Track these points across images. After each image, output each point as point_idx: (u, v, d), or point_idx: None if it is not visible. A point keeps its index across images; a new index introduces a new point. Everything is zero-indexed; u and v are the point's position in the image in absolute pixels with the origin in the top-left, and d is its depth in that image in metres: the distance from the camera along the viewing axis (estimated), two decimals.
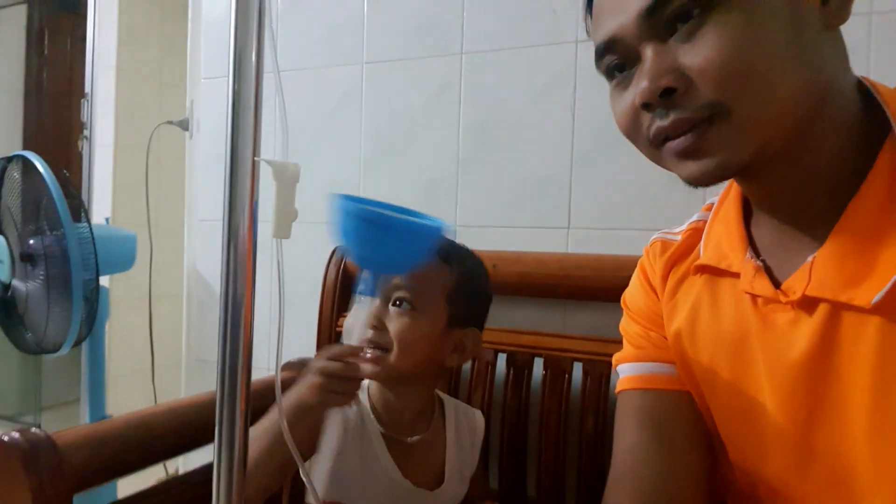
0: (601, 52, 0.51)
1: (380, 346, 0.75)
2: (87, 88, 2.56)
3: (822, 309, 0.48)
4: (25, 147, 2.87)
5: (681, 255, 0.63)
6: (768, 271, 0.52)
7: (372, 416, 0.79)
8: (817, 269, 0.48)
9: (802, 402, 0.49)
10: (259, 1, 0.50)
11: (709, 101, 0.44)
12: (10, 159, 1.48)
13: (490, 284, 0.87)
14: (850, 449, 0.47)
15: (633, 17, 0.46)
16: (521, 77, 1.15)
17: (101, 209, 2.43)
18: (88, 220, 1.49)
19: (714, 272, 0.58)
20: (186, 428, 0.86)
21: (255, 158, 0.49)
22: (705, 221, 0.62)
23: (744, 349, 0.54)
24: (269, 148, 1.41)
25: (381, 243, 0.61)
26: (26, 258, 1.45)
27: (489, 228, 1.18)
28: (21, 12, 2.86)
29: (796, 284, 0.49)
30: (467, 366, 1.08)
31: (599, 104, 1.09)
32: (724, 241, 0.57)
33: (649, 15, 0.45)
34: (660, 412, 0.60)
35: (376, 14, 1.28)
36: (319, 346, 1.17)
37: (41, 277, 1.43)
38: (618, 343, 0.96)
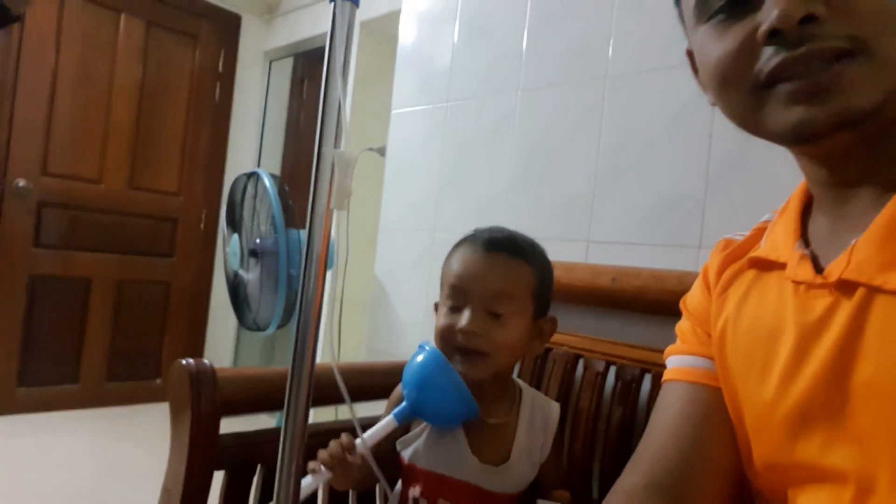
0: None
1: (478, 352, 0.82)
2: None
3: (859, 293, 0.46)
4: (282, 173, 3.51)
5: (741, 252, 0.63)
6: (814, 260, 0.51)
7: None
8: (857, 252, 0.47)
9: (835, 389, 0.47)
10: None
11: (851, 34, 0.42)
12: (249, 175, 1.88)
13: (553, 273, 0.92)
14: (876, 432, 0.45)
15: None
16: (659, 99, 1.17)
17: None
18: (297, 228, 1.81)
19: (764, 265, 0.58)
20: (322, 387, 1.04)
21: (325, 149, 0.63)
22: (770, 222, 0.62)
23: (780, 337, 0.53)
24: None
25: (441, 396, 0.79)
26: (252, 253, 1.82)
27: (618, 245, 1.20)
28: (288, 65, 3.53)
29: (835, 268, 0.48)
30: (578, 373, 1.11)
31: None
32: (780, 236, 0.57)
33: None
34: (696, 404, 0.60)
35: (533, 45, 1.39)
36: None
37: (258, 270, 1.78)
38: None
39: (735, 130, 1.08)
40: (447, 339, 0.84)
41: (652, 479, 0.57)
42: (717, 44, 0.49)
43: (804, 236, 0.54)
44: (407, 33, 1.71)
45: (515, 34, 1.42)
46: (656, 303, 1.05)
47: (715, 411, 0.59)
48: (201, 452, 0.86)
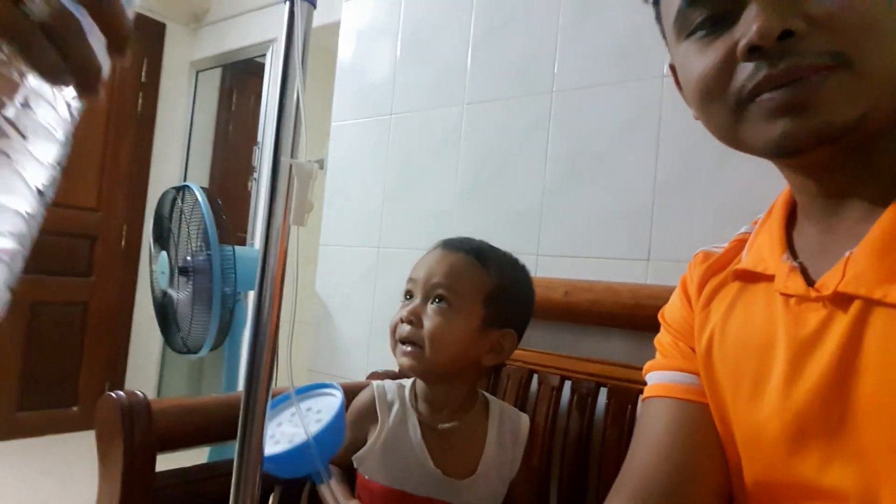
0: (692, 1, 0.48)
1: (414, 342, 0.81)
2: (259, 137, 2.97)
3: (855, 306, 0.45)
4: (210, 187, 3.36)
5: (722, 264, 0.62)
6: (804, 272, 0.51)
7: (412, 408, 0.85)
8: (853, 264, 0.46)
9: (832, 405, 0.46)
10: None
11: (830, 49, 0.42)
12: (178, 189, 1.78)
13: (533, 291, 0.92)
14: (878, 448, 0.44)
15: None
16: (608, 113, 1.18)
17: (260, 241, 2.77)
18: (233, 243, 1.73)
19: (750, 277, 0.57)
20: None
21: (284, 158, 0.59)
22: (750, 233, 0.62)
23: (771, 352, 0.52)
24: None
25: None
26: (182, 271, 1.72)
27: (569, 259, 1.19)
28: (216, 76, 3.40)
29: (829, 280, 0.47)
30: (533, 389, 1.09)
31: (684, 137, 1.08)
32: (764, 247, 0.56)
33: None
34: (683, 421, 0.59)
35: (478, 59, 1.38)
36: None
37: (189, 288, 1.68)
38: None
39: (681, 144, 1.11)
40: (393, 331, 0.85)
41: (641, 501, 0.55)
42: (698, 60, 0.49)
43: (791, 247, 0.54)
44: (347, 46, 1.67)
45: (460, 48, 1.41)
46: (610, 316, 1.05)
47: (703, 428, 0.58)
48: (136, 493, 0.78)
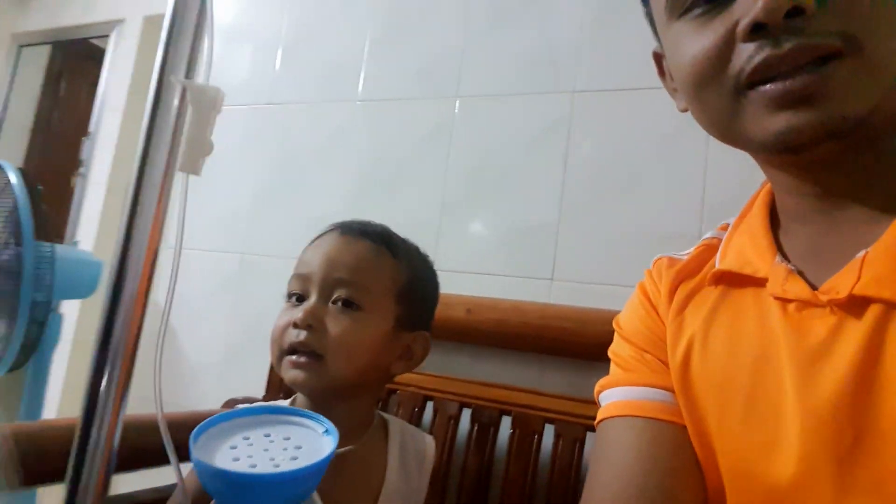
0: None
1: (314, 350, 0.65)
2: (92, 128, 2.58)
3: (872, 311, 0.40)
4: (31, 184, 2.85)
5: (692, 270, 0.55)
6: (801, 276, 0.45)
7: None
8: (870, 266, 0.40)
9: (846, 425, 0.40)
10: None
11: (840, 29, 0.38)
12: None
13: (438, 286, 0.80)
14: None
15: None
16: (515, 124, 1.12)
17: (84, 245, 2.37)
18: (52, 240, 1.41)
19: (734, 280, 0.50)
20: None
21: (173, 78, 0.42)
22: (720, 239, 0.55)
23: (769, 366, 0.45)
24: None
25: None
26: None
27: (469, 275, 1.10)
28: (43, 53, 2.94)
29: (841, 283, 0.41)
30: (427, 418, 0.96)
31: (592, 155, 1.05)
32: (748, 248, 0.50)
33: None
34: (652, 445, 0.50)
35: (376, 54, 1.26)
36: (269, 387, 1.06)
37: None
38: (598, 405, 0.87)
39: (590, 164, 1.08)
40: (278, 339, 0.68)
41: None
42: (692, 41, 0.44)
43: (781, 252, 0.48)
44: (225, 13, 1.46)
45: (357, 38, 1.29)
46: (517, 336, 0.97)
47: (682, 453, 0.49)
48: None
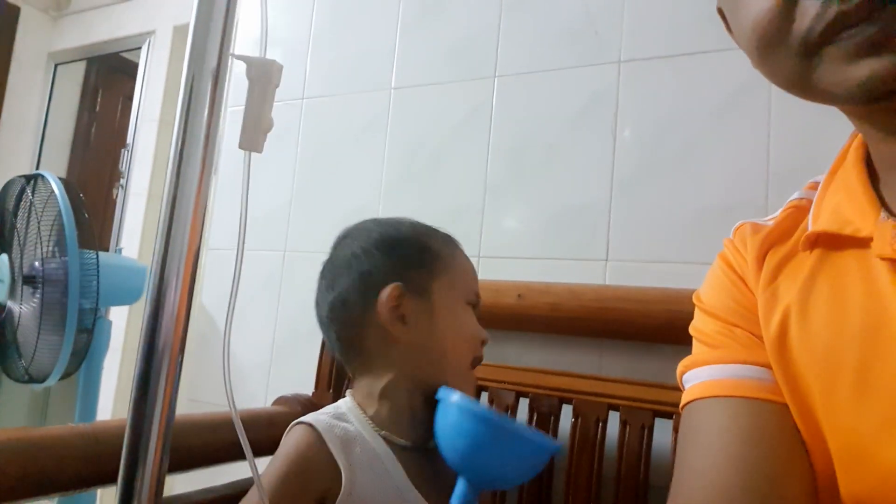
0: None
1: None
2: (129, 139, 2.62)
3: None
4: (74, 193, 2.91)
5: (781, 235, 0.50)
6: None
7: (376, 433, 0.66)
8: None
9: None
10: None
11: None
12: (29, 179, 1.44)
13: None
14: None
15: None
16: (558, 100, 1.07)
17: (128, 252, 2.40)
18: (96, 248, 1.42)
19: (833, 242, 0.45)
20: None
21: (231, 54, 0.40)
22: (810, 200, 0.50)
23: (881, 335, 0.40)
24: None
25: (497, 453, 0.58)
26: (28, 280, 1.38)
27: (518, 260, 1.05)
28: (78, 70, 2.99)
29: None
30: None
31: (643, 128, 0.99)
32: (845, 206, 0.45)
33: None
34: (753, 426, 0.45)
35: (408, 39, 1.23)
36: (318, 383, 1.03)
37: (36, 302, 1.35)
38: (664, 388, 0.82)
39: (640, 132, 1.02)
40: (473, 348, 0.73)
41: None
42: (750, 1, 0.40)
43: (885, 207, 0.43)
44: (250, 14, 1.45)
45: (387, 25, 1.25)
46: (573, 321, 0.92)
47: (786, 434, 0.44)
48: None
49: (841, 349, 0.42)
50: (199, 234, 0.43)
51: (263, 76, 0.40)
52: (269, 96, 0.40)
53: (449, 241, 0.78)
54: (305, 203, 1.29)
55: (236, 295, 0.46)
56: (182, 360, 0.43)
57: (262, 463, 0.78)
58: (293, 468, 0.62)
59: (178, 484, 1.10)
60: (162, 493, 0.41)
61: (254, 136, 0.40)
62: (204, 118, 0.41)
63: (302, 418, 0.67)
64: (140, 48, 2.67)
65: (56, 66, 2.95)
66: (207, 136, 0.41)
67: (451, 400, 0.61)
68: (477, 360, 0.72)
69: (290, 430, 0.68)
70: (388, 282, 0.69)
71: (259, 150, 0.41)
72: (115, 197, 2.63)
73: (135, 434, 0.41)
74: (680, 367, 0.52)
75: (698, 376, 0.49)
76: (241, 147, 0.41)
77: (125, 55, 2.87)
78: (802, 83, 0.39)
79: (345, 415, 0.68)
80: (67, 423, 1.64)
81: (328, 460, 0.62)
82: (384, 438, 0.66)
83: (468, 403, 0.60)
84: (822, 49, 0.37)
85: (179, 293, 0.42)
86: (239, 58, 0.40)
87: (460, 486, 0.54)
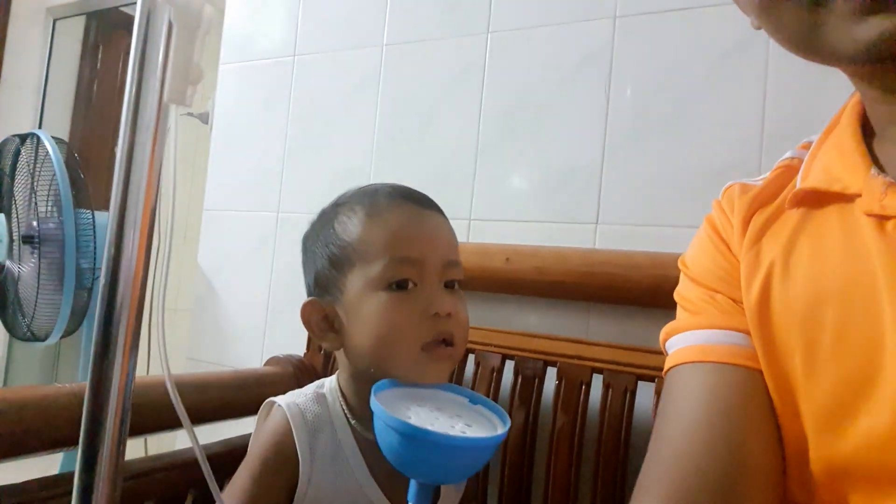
0: None
1: (451, 342, 0.62)
2: None
3: None
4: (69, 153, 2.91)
5: (769, 195, 0.50)
6: None
7: (347, 422, 0.66)
8: None
9: None
10: None
11: None
12: (24, 138, 1.44)
13: None
14: None
15: None
16: (551, 58, 1.04)
17: None
18: (92, 208, 1.43)
19: (818, 199, 0.45)
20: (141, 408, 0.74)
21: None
22: (801, 159, 0.49)
23: (860, 292, 0.40)
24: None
25: (431, 460, 0.52)
26: (27, 240, 1.39)
27: (507, 223, 1.05)
28: (78, 25, 2.95)
29: None
30: (469, 372, 0.93)
31: (637, 86, 0.97)
32: (836, 164, 0.45)
33: None
34: (721, 393, 0.45)
35: None
36: (310, 343, 1.04)
37: (34, 261, 1.36)
38: (649, 352, 0.82)
39: (635, 91, 1.00)
40: (412, 332, 0.61)
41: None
42: None
43: (877, 164, 0.42)
44: None
45: None
46: (558, 284, 0.92)
47: (756, 401, 0.44)
48: None
49: (820, 308, 0.41)
50: (154, 195, 0.42)
51: (190, 19, 0.38)
52: (196, 42, 0.38)
53: (370, 213, 0.65)
54: (298, 163, 1.28)
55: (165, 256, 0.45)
56: (140, 323, 0.42)
57: (245, 424, 0.79)
58: (269, 449, 0.63)
59: (178, 442, 1.12)
60: (123, 455, 0.41)
61: (180, 87, 0.38)
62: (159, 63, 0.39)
63: (279, 398, 0.67)
64: (134, 2, 2.62)
65: (55, 21, 2.90)
66: (162, 87, 0.39)
67: (376, 412, 0.53)
68: (436, 340, 0.61)
69: (264, 407, 0.68)
70: (309, 294, 0.68)
71: (187, 104, 0.39)
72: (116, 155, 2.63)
73: (95, 397, 0.41)
74: (662, 333, 0.52)
75: (678, 342, 0.49)
76: (166, 100, 0.39)
77: (124, 10, 2.82)
78: (808, 42, 0.38)
79: (324, 397, 0.68)
80: (76, 381, 1.68)
81: (294, 452, 0.62)
82: (354, 428, 0.65)
83: (390, 419, 0.51)
84: (826, 6, 0.36)
85: (137, 246, 0.41)
86: (169, 3, 0.38)
87: (412, 486, 0.53)
